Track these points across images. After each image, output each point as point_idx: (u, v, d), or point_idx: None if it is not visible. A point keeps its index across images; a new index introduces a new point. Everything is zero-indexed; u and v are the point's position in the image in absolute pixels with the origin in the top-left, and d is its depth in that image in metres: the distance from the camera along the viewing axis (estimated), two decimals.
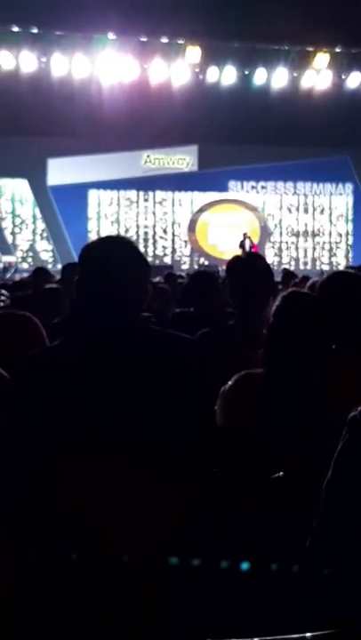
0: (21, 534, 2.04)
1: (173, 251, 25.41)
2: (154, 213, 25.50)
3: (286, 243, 25.99)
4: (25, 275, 16.16)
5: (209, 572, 2.08)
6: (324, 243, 26.17)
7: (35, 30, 18.71)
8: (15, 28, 18.61)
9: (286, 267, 19.67)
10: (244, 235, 21.84)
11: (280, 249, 25.93)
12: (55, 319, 4.97)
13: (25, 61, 19.09)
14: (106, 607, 1.98)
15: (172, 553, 2.04)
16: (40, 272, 9.37)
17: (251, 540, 2.15)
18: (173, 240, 25.48)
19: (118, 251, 2.45)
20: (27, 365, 2.37)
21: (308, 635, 1.18)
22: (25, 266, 23.11)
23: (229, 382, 2.78)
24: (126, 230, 24.25)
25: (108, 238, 2.56)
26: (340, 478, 1.62)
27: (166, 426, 2.25)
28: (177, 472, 2.16)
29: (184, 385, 2.34)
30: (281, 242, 25.97)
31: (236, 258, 4.01)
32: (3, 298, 9.08)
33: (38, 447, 2.17)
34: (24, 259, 24.53)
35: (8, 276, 19.67)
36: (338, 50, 20.31)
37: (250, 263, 3.98)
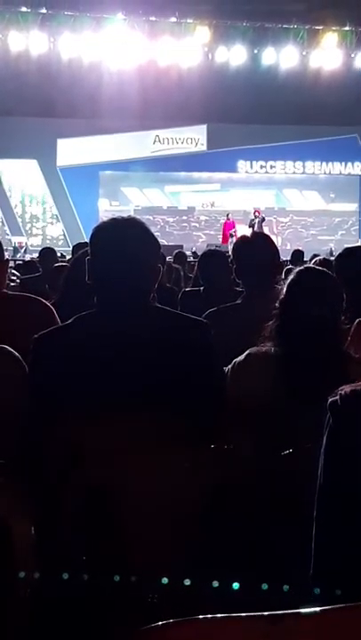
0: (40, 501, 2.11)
1: (184, 230, 25.40)
2: (164, 193, 25.48)
3: (295, 222, 25.93)
4: (35, 255, 16.21)
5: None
6: (334, 221, 26.10)
7: (44, 11, 18.64)
8: (24, 9, 18.55)
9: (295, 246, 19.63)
10: (255, 212, 21.76)
11: (289, 228, 25.88)
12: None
13: (34, 42, 19.03)
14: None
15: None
16: (47, 252, 9.44)
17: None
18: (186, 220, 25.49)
19: (129, 230, 2.49)
20: (42, 343, 2.43)
21: (318, 609, 1.18)
22: (35, 246, 23.15)
23: (241, 356, 2.79)
24: (136, 210, 24.24)
25: (119, 219, 2.57)
26: (330, 467, 1.60)
27: (175, 400, 2.30)
28: (190, 444, 2.21)
29: (193, 363, 2.41)
30: (289, 221, 25.92)
31: (241, 237, 4.05)
32: (13, 278, 9.16)
33: (55, 420, 2.23)
34: (34, 239, 24.55)
35: (18, 256, 19.71)
36: (347, 28, 20.18)
37: (255, 243, 4.03)
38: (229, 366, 2.82)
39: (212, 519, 2.16)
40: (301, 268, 2.80)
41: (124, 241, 2.46)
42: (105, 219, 2.66)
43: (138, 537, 2.11)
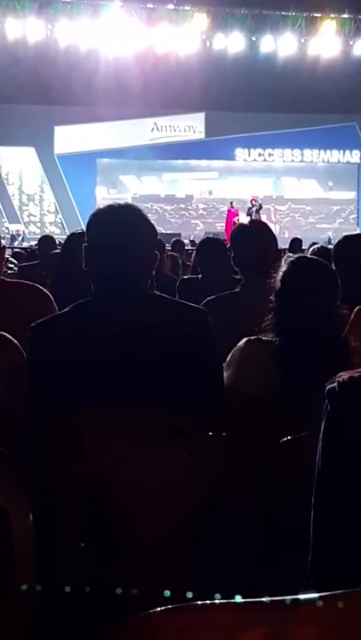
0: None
1: (182, 218, 25.39)
2: (162, 181, 25.44)
3: (293, 210, 25.91)
4: (33, 243, 16.20)
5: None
6: (332, 209, 26.08)
7: None
8: None
9: (293, 234, 19.61)
10: (252, 200, 21.74)
11: (287, 216, 25.86)
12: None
13: (31, 29, 18.94)
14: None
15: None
16: (45, 240, 9.43)
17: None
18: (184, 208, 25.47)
19: (126, 217, 2.48)
20: (39, 332, 2.43)
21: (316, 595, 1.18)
22: (33, 234, 23.14)
23: (240, 344, 2.78)
24: (134, 198, 24.22)
25: (115, 205, 2.55)
26: (328, 454, 1.60)
27: (173, 389, 2.32)
28: (189, 432, 2.21)
29: (190, 350, 2.41)
30: (288, 209, 25.90)
31: (239, 226, 4.05)
32: (11, 266, 9.15)
33: (54, 409, 2.23)
34: (32, 227, 24.53)
35: (16, 244, 19.70)
36: (345, 16, 20.11)
37: (252, 231, 4.03)
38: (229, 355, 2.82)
39: (214, 511, 2.16)
40: (293, 258, 2.78)
41: (119, 227, 2.45)
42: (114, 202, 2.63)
43: (138, 530, 2.10)
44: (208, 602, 1.13)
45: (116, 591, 1.67)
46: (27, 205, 24.94)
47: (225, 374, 2.72)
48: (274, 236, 4.00)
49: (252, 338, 2.75)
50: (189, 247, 13.46)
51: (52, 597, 1.89)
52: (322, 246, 7.12)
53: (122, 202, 2.65)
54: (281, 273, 2.73)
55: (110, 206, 2.56)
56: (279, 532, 2.15)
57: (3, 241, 3.31)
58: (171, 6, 19.27)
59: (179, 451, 2.15)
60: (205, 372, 2.49)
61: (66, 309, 2.52)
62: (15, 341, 2.45)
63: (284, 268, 2.74)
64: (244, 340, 2.77)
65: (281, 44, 20.41)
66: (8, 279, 3.39)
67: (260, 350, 2.69)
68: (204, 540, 2.13)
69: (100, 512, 2.11)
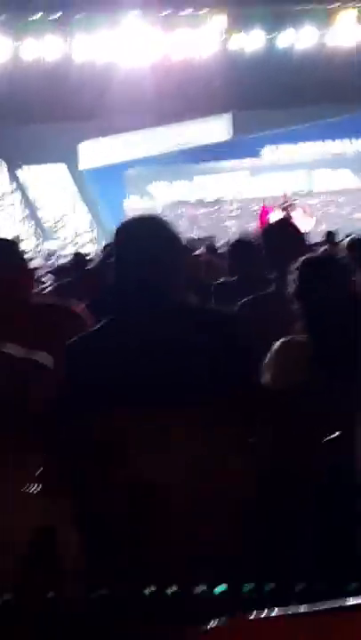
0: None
1: (215, 222, 25.31)
2: (191, 186, 25.42)
3: (327, 202, 25.70)
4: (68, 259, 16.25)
5: None
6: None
7: (56, 15, 18.65)
8: (36, 16, 18.56)
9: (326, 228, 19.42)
10: (283, 196, 21.57)
11: (321, 209, 25.65)
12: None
13: (49, 47, 19.04)
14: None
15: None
16: (78, 257, 9.47)
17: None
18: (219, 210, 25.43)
19: (149, 229, 2.51)
20: (74, 349, 2.47)
21: None
22: (68, 251, 23.24)
23: (276, 345, 2.82)
24: (165, 206, 24.24)
25: (137, 218, 2.62)
26: None
27: (210, 394, 2.31)
28: (229, 437, 2.23)
29: (224, 357, 2.39)
30: (321, 202, 25.68)
31: (266, 226, 4.05)
32: (48, 283, 9.18)
33: (90, 425, 2.26)
34: (66, 244, 24.65)
35: (51, 261, 19.80)
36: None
37: (279, 229, 4.02)
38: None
39: (260, 507, 2.17)
40: (297, 264, 2.89)
41: (142, 240, 2.47)
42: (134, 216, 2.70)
43: (183, 532, 2.13)
44: (265, 614, 1.12)
45: (165, 592, 1.67)
46: (60, 222, 25.07)
47: (266, 376, 2.74)
48: (301, 232, 3.99)
49: (286, 338, 2.79)
50: (224, 250, 13.37)
51: (102, 603, 1.91)
52: (357, 237, 7.02)
53: (154, 211, 2.69)
54: (290, 279, 2.87)
55: (135, 219, 2.64)
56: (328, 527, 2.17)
57: (36, 261, 3.32)
58: (189, 10, 19.26)
59: (221, 453, 2.18)
60: (241, 376, 2.48)
61: (97, 326, 2.55)
62: (48, 360, 2.45)
63: (291, 275, 2.88)
64: (280, 341, 2.81)
65: (301, 38, 20.35)
66: (39, 300, 3.40)
67: (295, 349, 2.75)
68: (249, 540, 2.13)
69: (144, 516, 2.14)
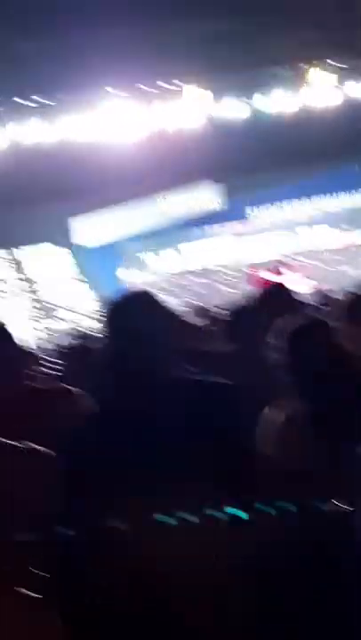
0: None
1: (208, 288, 25.38)
2: (181, 254, 25.58)
3: (319, 260, 25.78)
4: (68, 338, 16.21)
5: None
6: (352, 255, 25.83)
7: (37, 99, 18.98)
8: (18, 99, 18.89)
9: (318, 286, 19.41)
10: (277, 259, 21.71)
11: (315, 267, 25.72)
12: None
13: (33, 129, 19.31)
14: None
15: None
16: (77, 335, 9.43)
17: None
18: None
19: (142, 305, 2.52)
20: (68, 437, 2.46)
21: None
22: (69, 330, 23.25)
23: (266, 414, 2.84)
24: (158, 279, 24.33)
25: (129, 295, 2.63)
26: None
27: (210, 467, 2.29)
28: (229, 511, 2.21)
29: (221, 428, 2.36)
30: (316, 260, 25.75)
31: (262, 290, 4.04)
32: (46, 365, 9.12)
33: (92, 507, 2.23)
34: (67, 324, 24.65)
35: (52, 340, 19.76)
36: (331, 62, 20.45)
37: (274, 294, 4.02)
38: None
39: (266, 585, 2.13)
40: (287, 332, 2.98)
41: (133, 317, 2.48)
42: (130, 289, 2.79)
43: (183, 617, 2.11)
44: None
45: None
46: (57, 301, 25.13)
47: (260, 443, 2.70)
48: (295, 295, 3.98)
49: (272, 404, 2.85)
50: (219, 316, 13.35)
51: None
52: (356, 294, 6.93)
53: (136, 288, 2.72)
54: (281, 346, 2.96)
55: (123, 296, 2.62)
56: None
57: (36, 341, 3.29)
58: (162, 83, 19.63)
59: (221, 532, 2.15)
60: (240, 447, 2.45)
61: (93, 410, 2.57)
62: (41, 450, 2.41)
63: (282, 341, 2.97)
64: (274, 408, 2.85)
65: (276, 100, 20.72)
66: (35, 385, 3.37)
67: (281, 413, 2.80)
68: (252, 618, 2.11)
69: (143, 602, 2.11)
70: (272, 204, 25.49)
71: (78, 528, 2.24)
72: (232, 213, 25.21)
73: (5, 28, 15.99)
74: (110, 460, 2.30)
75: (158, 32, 16.96)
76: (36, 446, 2.43)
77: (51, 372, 8.11)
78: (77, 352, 7.51)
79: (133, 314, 2.48)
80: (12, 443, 2.43)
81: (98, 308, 24.17)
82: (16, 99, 18.74)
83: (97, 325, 21.80)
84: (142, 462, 2.27)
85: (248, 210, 25.49)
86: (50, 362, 9.77)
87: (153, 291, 2.68)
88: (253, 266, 22.26)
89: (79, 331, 9.90)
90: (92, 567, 2.15)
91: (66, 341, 9.83)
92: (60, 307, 25.00)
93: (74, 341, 9.66)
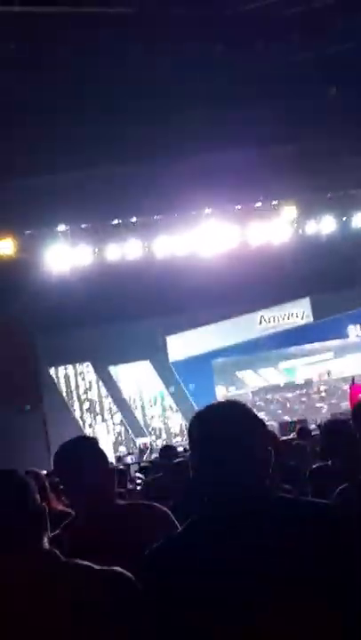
0: None
1: (305, 404, 25.04)
2: (278, 370, 25.40)
3: None
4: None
5: None
6: None
7: (134, 219, 19.41)
8: (117, 221, 19.35)
9: None
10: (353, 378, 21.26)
11: None
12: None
13: (130, 249, 19.65)
14: None
15: None
16: (166, 449, 9.23)
17: None
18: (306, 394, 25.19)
19: (228, 417, 2.24)
20: (154, 559, 2.20)
21: None
22: (160, 445, 23.14)
23: None
24: (253, 392, 24.17)
25: (216, 406, 2.33)
26: None
27: (318, 593, 2.04)
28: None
29: (325, 552, 2.10)
30: None
31: (358, 404, 3.84)
32: (138, 481, 8.99)
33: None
34: (158, 438, 24.58)
35: (145, 457, 19.64)
36: None
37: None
38: None
39: None
40: None
41: (221, 427, 2.21)
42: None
43: None
44: None
45: None
46: (151, 417, 25.15)
47: None
48: None
49: None
50: (317, 432, 13.06)
51: None
52: None
53: (225, 400, 2.49)
54: None
55: (210, 407, 2.32)
56: None
57: (128, 457, 3.18)
58: (258, 204, 19.87)
59: None
60: (350, 568, 2.16)
61: (181, 529, 2.28)
62: (127, 575, 2.22)
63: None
64: None
65: None
66: (122, 501, 3.25)
67: None
68: None
69: None
70: None
71: None
72: (330, 331, 25.03)
73: (107, 155, 16.50)
74: (199, 589, 2.05)
75: (258, 155, 17.25)
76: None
77: (142, 486, 7.97)
78: (172, 467, 7.37)
79: (232, 421, 2.22)
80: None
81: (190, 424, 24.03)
82: (116, 220, 19.16)
83: (184, 438, 21.67)
84: (235, 597, 2.02)
85: (347, 327, 25.28)
86: (142, 478, 9.64)
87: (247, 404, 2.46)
88: (351, 381, 21.81)
89: (172, 446, 9.72)
90: None
91: (156, 456, 9.71)
92: (153, 424, 24.97)
93: (163, 455, 9.52)
